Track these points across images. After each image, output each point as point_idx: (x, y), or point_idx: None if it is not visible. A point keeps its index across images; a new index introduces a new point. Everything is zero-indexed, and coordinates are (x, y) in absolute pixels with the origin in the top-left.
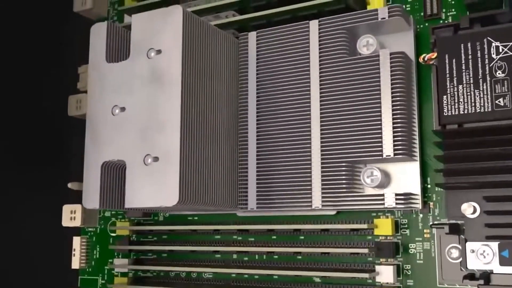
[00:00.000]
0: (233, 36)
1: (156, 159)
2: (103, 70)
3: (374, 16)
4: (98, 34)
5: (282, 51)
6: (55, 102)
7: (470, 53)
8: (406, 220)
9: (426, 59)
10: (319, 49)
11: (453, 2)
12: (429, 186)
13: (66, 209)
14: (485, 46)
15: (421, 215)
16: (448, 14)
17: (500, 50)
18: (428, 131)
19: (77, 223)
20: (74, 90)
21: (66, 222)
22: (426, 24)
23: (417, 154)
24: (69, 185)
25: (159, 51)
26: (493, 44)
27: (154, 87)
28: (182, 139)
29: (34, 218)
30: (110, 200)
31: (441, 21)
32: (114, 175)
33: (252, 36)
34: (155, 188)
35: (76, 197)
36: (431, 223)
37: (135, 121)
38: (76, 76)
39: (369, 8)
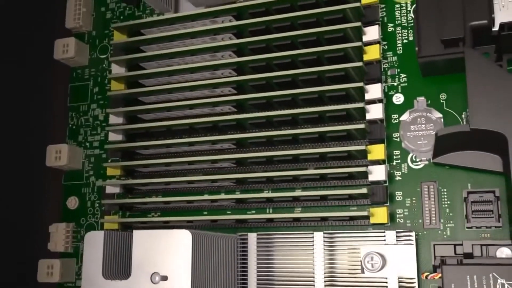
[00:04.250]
0: (233, 236)
1: None
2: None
3: (381, 237)
4: (94, 245)
5: (284, 255)
6: (24, 267)
7: (476, 287)
8: None
9: (429, 278)
10: (324, 263)
11: (451, 214)
12: None
13: None
14: (491, 281)
15: None
16: (447, 225)
17: None
18: None
19: None
20: (44, 252)
21: None
22: (425, 232)
23: None
24: None
25: (165, 278)
26: (499, 281)
27: None
28: None
29: None
30: None
31: (439, 232)
32: None
33: (252, 237)
34: None
35: None
36: None
37: None
38: (46, 235)
39: (371, 214)
